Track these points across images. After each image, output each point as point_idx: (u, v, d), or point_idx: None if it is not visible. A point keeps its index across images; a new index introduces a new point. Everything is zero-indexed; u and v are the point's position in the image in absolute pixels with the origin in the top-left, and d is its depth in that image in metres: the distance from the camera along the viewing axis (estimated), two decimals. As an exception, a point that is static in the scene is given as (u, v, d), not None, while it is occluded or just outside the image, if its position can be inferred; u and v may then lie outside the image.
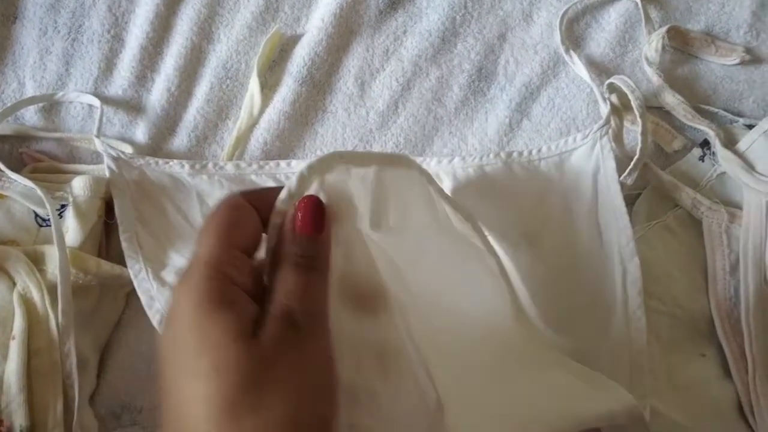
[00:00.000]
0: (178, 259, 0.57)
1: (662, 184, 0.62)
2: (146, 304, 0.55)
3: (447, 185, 0.60)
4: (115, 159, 0.60)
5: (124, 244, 0.57)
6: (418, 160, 0.61)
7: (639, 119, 0.60)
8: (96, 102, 0.64)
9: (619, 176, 0.59)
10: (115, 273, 0.56)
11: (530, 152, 0.62)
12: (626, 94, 0.61)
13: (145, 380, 0.57)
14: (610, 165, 0.59)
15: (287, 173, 0.62)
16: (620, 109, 0.63)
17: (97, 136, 0.60)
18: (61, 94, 0.65)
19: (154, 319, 0.54)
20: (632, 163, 0.59)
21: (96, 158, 0.64)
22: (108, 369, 0.58)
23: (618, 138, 0.62)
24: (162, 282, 0.56)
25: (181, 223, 0.59)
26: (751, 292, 0.57)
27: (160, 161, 0.61)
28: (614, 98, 0.63)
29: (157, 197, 0.60)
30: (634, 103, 0.60)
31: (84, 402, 0.55)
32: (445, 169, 0.61)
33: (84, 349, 0.55)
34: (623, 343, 0.55)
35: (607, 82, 0.63)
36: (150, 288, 0.55)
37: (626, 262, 0.56)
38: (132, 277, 0.56)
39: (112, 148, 0.60)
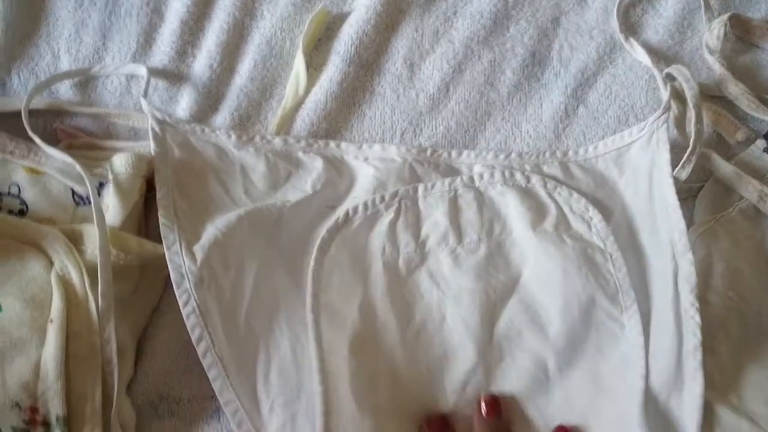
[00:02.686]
0: (212, 230, 0.53)
1: (726, 176, 0.59)
2: (175, 281, 0.50)
3: (498, 178, 0.57)
4: (160, 122, 0.57)
5: (160, 211, 0.53)
6: (474, 152, 0.59)
7: (693, 109, 0.56)
8: (141, 70, 0.60)
9: (676, 167, 0.55)
10: (158, 252, 0.52)
11: (586, 150, 0.60)
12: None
13: (184, 369, 0.53)
14: (664, 157, 0.55)
15: (336, 154, 0.59)
16: (683, 97, 0.59)
17: (144, 96, 0.57)
18: (98, 67, 0.61)
19: (181, 299, 0.50)
20: (685, 156, 0.55)
21: (134, 135, 0.60)
22: (145, 356, 0.54)
23: (681, 125, 0.58)
24: (193, 258, 0.51)
25: (222, 195, 0.56)
26: (821, 289, 0.54)
27: (206, 129, 0.58)
28: (677, 86, 0.60)
29: (199, 166, 0.57)
30: (688, 93, 0.57)
31: (122, 391, 0.51)
32: (502, 164, 0.59)
33: (122, 336, 0.51)
34: (672, 342, 0.51)
35: (665, 71, 0.59)
36: (181, 264, 0.51)
37: (679, 258, 0.52)
38: (165, 248, 0.52)
39: (158, 110, 0.57)
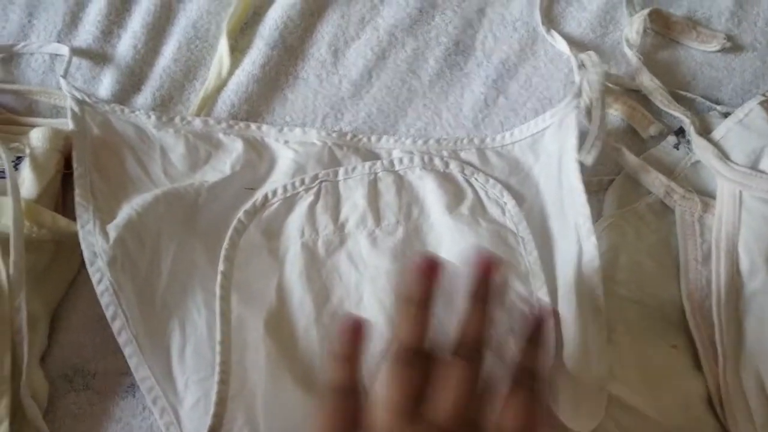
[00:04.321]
0: (127, 210, 0.56)
1: (635, 170, 0.63)
2: (88, 260, 0.54)
3: (417, 162, 0.61)
4: (80, 102, 0.60)
5: (77, 191, 0.56)
6: (393, 138, 0.63)
7: (597, 94, 0.59)
8: (64, 50, 0.63)
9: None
10: (71, 229, 0.55)
11: (503, 137, 0.63)
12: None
13: (100, 344, 0.56)
14: (571, 142, 0.59)
15: (256, 136, 0.62)
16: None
17: (63, 77, 0.60)
18: (22, 44, 0.64)
19: (94, 277, 0.53)
20: (587, 140, 0.58)
21: (56, 113, 0.63)
22: (61, 330, 0.57)
23: (591, 114, 0.62)
24: (106, 237, 0.54)
25: (141, 176, 0.59)
26: (722, 283, 0.58)
27: (126, 110, 0.61)
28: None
29: (118, 147, 0.60)
30: (592, 77, 0.60)
31: (34, 362, 0.54)
32: (420, 149, 0.62)
33: (35, 308, 0.54)
34: (578, 325, 0.54)
35: (579, 56, 0.63)
36: (94, 243, 0.54)
37: (583, 242, 0.56)
38: (78, 227, 0.55)
39: (77, 90, 0.60)
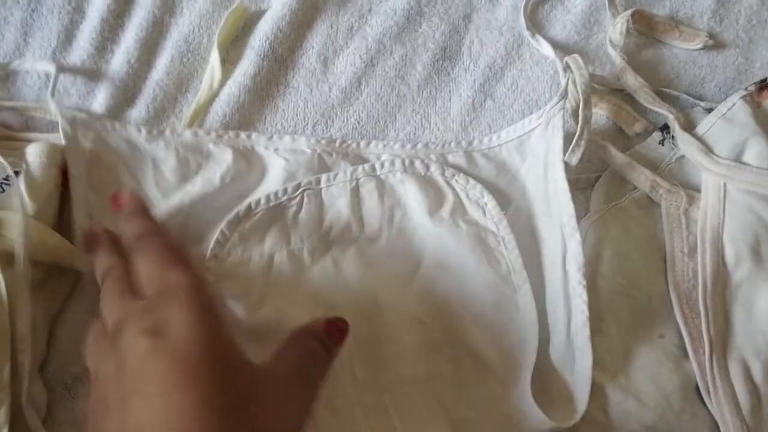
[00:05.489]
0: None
1: (621, 167, 0.64)
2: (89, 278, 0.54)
3: (398, 166, 0.62)
4: (71, 121, 0.61)
5: (74, 209, 0.58)
6: (382, 143, 0.65)
7: (580, 95, 0.60)
8: (50, 67, 0.65)
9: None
10: (66, 247, 0.56)
11: (490, 139, 0.65)
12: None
13: (98, 352, 0.58)
14: (557, 143, 0.60)
15: (246, 145, 0.63)
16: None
17: (52, 96, 0.62)
18: (16, 62, 0.66)
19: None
20: (573, 141, 0.59)
21: (53, 128, 0.64)
22: (59, 339, 0.58)
23: (577, 116, 0.63)
24: None
25: (135, 190, 0.60)
26: (708, 274, 0.59)
27: (117, 125, 0.62)
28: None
29: (111, 162, 0.61)
30: (577, 80, 0.61)
31: (33, 370, 0.55)
32: (409, 154, 0.64)
33: (34, 317, 0.55)
34: (563, 319, 0.56)
35: (564, 59, 0.64)
36: None
37: (567, 240, 0.57)
38: (78, 246, 0.56)
39: (67, 108, 0.61)
